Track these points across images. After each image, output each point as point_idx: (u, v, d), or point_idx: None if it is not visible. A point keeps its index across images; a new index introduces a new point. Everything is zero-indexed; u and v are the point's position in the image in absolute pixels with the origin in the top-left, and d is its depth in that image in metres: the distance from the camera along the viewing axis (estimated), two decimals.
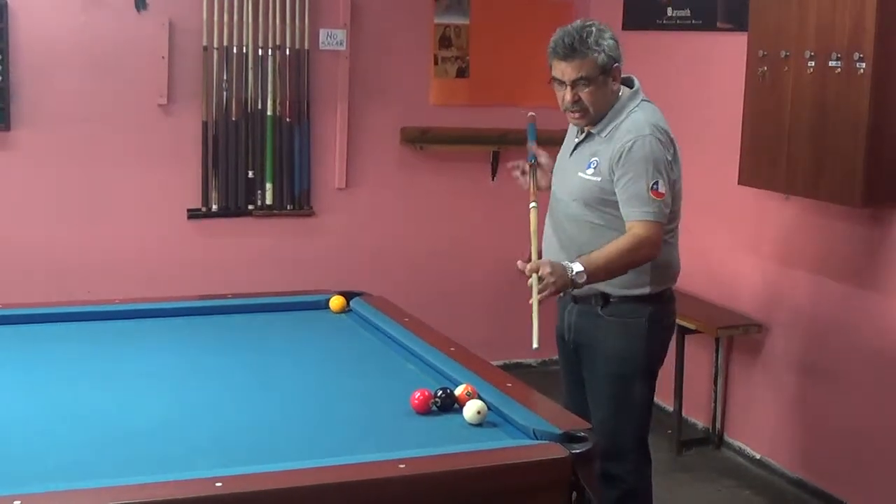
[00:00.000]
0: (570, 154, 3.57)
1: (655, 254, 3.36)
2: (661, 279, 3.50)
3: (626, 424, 3.51)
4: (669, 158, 3.38)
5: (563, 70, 3.40)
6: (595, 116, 3.45)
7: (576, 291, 3.43)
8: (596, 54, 3.36)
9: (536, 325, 3.15)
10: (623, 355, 3.49)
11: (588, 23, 3.41)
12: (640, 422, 3.56)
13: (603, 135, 3.44)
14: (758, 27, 4.63)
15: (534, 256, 3.35)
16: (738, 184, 4.77)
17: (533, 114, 3.83)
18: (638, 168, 3.32)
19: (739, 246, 5.07)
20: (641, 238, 3.31)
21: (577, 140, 3.55)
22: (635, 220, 3.32)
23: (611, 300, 3.47)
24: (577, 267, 3.24)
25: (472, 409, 2.84)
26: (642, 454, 3.58)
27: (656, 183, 3.31)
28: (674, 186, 3.42)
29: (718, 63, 5.20)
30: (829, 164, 4.29)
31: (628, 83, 3.52)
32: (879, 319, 4.41)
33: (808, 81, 4.36)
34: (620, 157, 3.34)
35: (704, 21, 5.30)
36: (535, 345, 3.15)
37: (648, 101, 3.49)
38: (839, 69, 4.21)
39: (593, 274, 3.26)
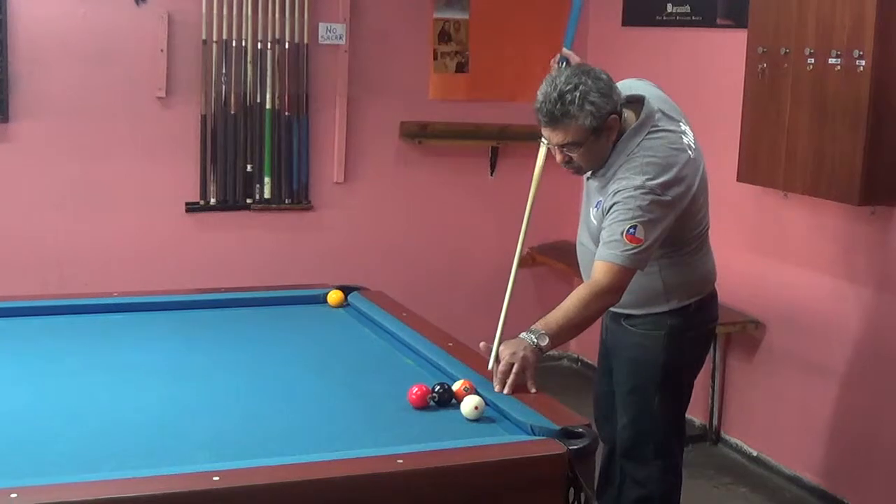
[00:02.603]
0: (587, 178, 3.41)
1: (616, 299, 3.19)
2: (683, 294, 3.37)
3: (643, 433, 3.45)
4: (668, 199, 3.15)
5: (549, 136, 3.21)
6: (592, 168, 3.29)
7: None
8: (582, 119, 3.12)
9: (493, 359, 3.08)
10: (639, 367, 3.42)
11: (573, 81, 3.12)
12: (660, 432, 3.45)
13: (607, 176, 3.25)
14: (757, 24, 4.63)
15: (528, 209, 3.28)
16: (737, 181, 4.77)
17: None
18: (619, 214, 3.14)
19: (737, 243, 5.06)
20: (600, 285, 3.13)
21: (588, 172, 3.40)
22: (599, 261, 3.15)
23: (631, 315, 3.41)
24: (538, 331, 3.06)
25: (469, 404, 2.84)
26: (664, 463, 3.47)
27: (634, 227, 3.09)
28: (693, 204, 3.25)
29: (718, 60, 5.19)
30: (828, 162, 4.29)
31: (637, 104, 3.26)
32: (877, 317, 4.41)
33: (808, 79, 4.35)
34: (610, 207, 3.17)
35: (704, 17, 5.29)
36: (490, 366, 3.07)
37: (656, 132, 3.22)
38: (839, 66, 4.20)
39: (556, 335, 3.07)
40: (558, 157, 3.26)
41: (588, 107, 3.12)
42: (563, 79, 3.15)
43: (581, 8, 3.59)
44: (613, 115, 3.18)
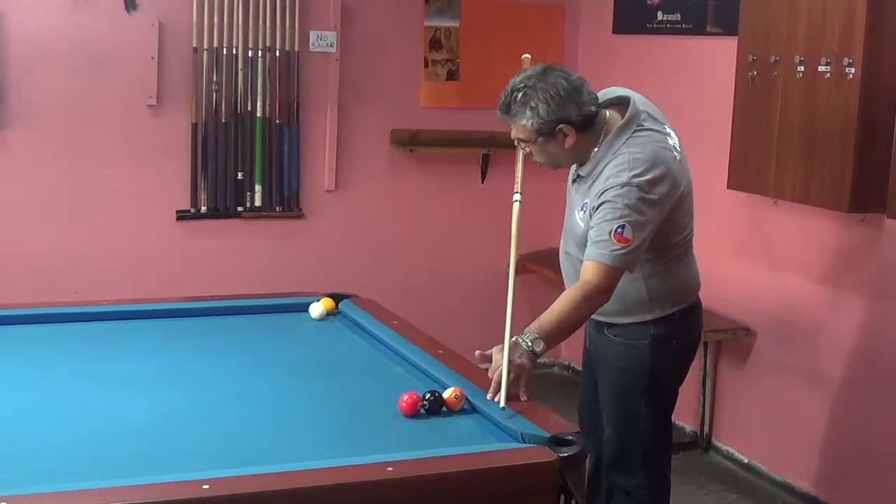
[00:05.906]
0: (573, 182, 3.40)
1: (606, 298, 3.16)
2: (667, 303, 3.36)
3: (629, 442, 3.43)
4: (655, 198, 3.13)
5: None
6: (559, 167, 3.35)
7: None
8: (525, 120, 3.16)
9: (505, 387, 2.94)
10: (623, 376, 3.41)
11: (527, 82, 3.18)
12: (647, 441, 3.43)
13: (592, 175, 3.23)
14: (747, 32, 4.64)
15: (512, 265, 3.24)
16: (727, 188, 4.78)
17: (528, 56, 3.54)
18: (606, 213, 3.11)
19: (728, 250, 5.07)
20: (591, 285, 3.10)
21: (573, 175, 3.38)
22: (588, 261, 3.13)
23: (615, 324, 3.39)
24: (531, 335, 3.04)
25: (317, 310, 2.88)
26: (651, 471, 3.47)
27: (622, 227, 3.07)
28: (679, 206, 3.25)
29: (708, 67, 5.20)
30: (818, 170, 4.29)
31: (623, 106, 3.26)
32: (867, 324, 4.42)
33: (798, 86, 4.36)
34: (597, 207, 3.16)
35: (694, 25, 5.30)
36: (501, 404, 2.90)
37: (641, 131, 3.21)
38: (829, 74, 4.22)
39: (550, 336, 3.06)
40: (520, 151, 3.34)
41: (528, 111, 3.16)
42: (522, 77, 3.22)
43: None
44: (563, 126, 3.17)
